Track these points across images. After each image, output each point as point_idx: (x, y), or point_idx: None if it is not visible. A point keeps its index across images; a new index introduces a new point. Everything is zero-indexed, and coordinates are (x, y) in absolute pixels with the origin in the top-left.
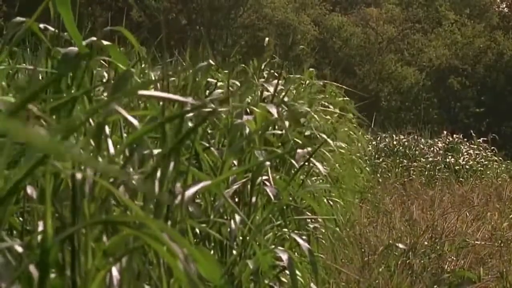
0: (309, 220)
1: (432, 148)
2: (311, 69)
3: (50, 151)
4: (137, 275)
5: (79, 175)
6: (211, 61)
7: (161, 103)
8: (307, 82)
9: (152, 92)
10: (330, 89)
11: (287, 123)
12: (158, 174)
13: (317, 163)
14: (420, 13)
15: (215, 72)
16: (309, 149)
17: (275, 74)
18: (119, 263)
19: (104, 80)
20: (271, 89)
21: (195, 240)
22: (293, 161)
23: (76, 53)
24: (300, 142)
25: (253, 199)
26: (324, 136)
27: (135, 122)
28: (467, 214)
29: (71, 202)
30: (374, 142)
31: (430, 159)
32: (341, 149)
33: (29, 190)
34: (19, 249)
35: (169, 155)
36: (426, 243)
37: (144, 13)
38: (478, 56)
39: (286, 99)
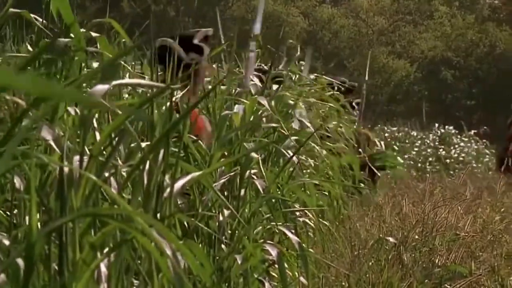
0: (298, 214)
1: (423, 141)
2: (301, 62)
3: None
4: (126, 269)
5: (66, 168)
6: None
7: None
8: (297, 76)
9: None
10: (319, 82)
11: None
12: (147, 166)
13: (302, 156)
14: (411, 4)
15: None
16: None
17: (264, 66)
18: (107, 257)
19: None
20: (257, 80)
21: (183, 234)
22: (285, 152)
23: (66, 43)
24: (286, 133)
25: (242, 192)
26: (309, 125)
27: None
28: (458, 207)
29: (58, 195)
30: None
31: (422, 152)
32: (331, 142)
33: (17, 183)
34: (6, 242)
35: (157, 146)
36: (416, 237)
37: (134, 3)
38: (470, 48)
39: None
